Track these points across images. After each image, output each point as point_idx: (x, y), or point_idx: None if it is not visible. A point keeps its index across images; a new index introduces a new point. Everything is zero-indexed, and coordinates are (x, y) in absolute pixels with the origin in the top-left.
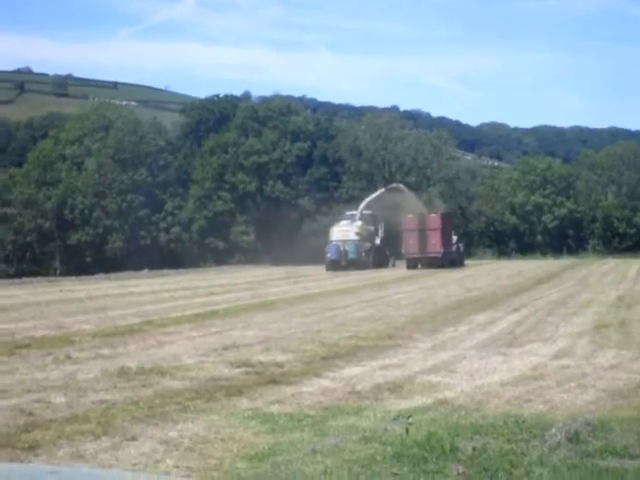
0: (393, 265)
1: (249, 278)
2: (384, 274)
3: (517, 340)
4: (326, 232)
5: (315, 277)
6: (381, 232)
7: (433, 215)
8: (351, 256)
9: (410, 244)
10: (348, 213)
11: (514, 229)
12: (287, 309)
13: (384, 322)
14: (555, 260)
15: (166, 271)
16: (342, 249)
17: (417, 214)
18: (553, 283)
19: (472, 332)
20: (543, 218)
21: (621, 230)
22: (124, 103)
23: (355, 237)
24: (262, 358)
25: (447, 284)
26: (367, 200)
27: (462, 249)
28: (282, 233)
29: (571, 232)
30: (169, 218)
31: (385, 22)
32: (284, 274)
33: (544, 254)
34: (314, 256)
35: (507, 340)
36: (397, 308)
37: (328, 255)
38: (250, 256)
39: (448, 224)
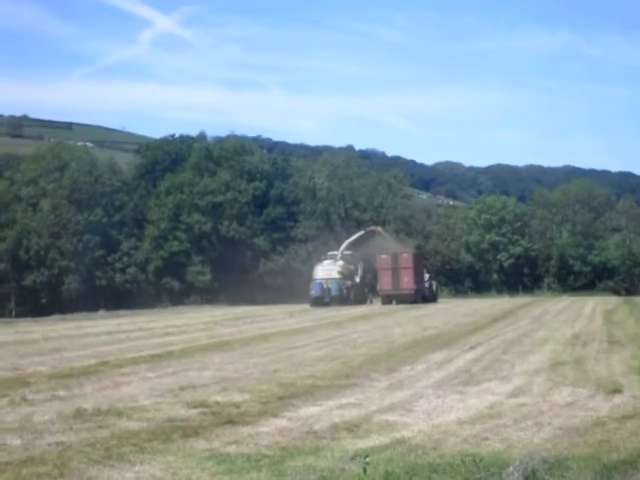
0: (371, 302)
1: (205, 318)
2: (341, 313)
3: (474, 378)
4: (282, 271)
5: (272, 317)
6: (360, 271)
7: (405, 255)
8: (334, 293)
9: (384, 282)
10: (330, 253)
11: (470, 267)
12: (243, 349)
13: (341, 361)
14: (511, 298)
15: (122, 312)
16: (325, 287)
17: (390, 254)
18: (509, 321)
19: (429, 371)
20: (498, 256)
21: (576, 268)
22: (79, 144)
23: (337, 276)
24: (219, 398)
25: (404, 323)
26: (347, 241)
27: (435, 286)
28: (238, 273)
29: (526, 270)
30: (125, 258)
31: (340, 62)
32: (240, 314)
33: (500, 292)
34: (271, 296)
35: (464, 378)
36: (354, 347)
37: (312, 292)
38: (206, 296)
39: (419, 263)
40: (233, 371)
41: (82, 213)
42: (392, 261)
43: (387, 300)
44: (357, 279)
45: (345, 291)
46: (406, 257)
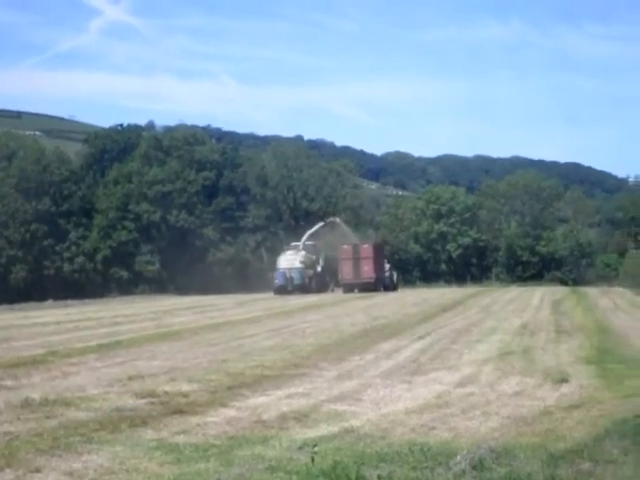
0: (332, 290)
1: (154, 308)
2: (291, 303)
3: (422, 368)
4: (231, 261)
5: (221, 307)
6: (321, 261)
7: (365, 245)
8: (296, 282)
9: (346, 271)
10: (293, 244)
11: (418, 258)
12: (192, 339)
13: (290, 351)
14: (459, 288)
15: (70, 301)
16: (288, 276)
17: (351, 244)
18: (457, 311)
19: (378, 360)
20: (447, 247)
21: (524, 258)
22: (28, 133)
23: (299, 265)
24: (167, 388)
25: (353, 312)
26: (308, 232)
27: (395, 276)
28: (187, 262)
29: (475, 261)
30: (73, 248)
31: (291, 51)
32: (190, 304)
33: (448, 282)
34: (220, 285)
35: (412, 368)
36: (303, 337)
37: (276, 281)
38: (155, 286)
39: (379, 253)
40: (182, 361)
41: (30, 202)
42: (353, 251)
43: (349, 289)
44: (319, 268)
45: (307, 280)
46: (366, 247)
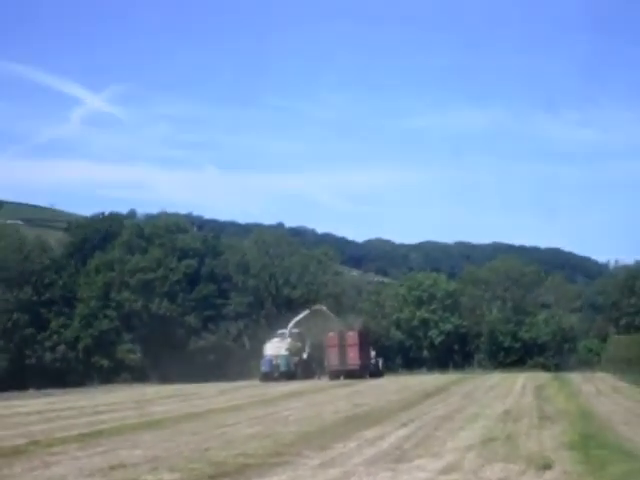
0: (319, 377)
1: (136, 396)
2: (273, 390)
3: (405, 455)
4: (213, 349)
5: (203, 395)
6: (307, 348)
7: (351, 333)
8: (282, 369)
9: (332, 358)
10: (279, 331)
11: (400, 344)
12: (175, 427)
13: (273, 439)
14: (442, 375)
15: (52, 390)
16: (274, 363)
17: (337, 332)
18: (440, 397)
19: (361, 448)
20: (429, 333)
21: (506, 344)
22: (9, 222)
23: (285, 352)
24: (149, 477)
25: (335, 400)
26: (295, 320)
27: (381, 362)
28: (169, 350)
29: (457, 347)
30: (54, 337)
31: (270, 139)
32: (172, 392)
33: (430, 369)
34: (202, 373)
35: (396, 455)
36: (286, 425)
37: (262, 368)
38: (137, 374)
39: (365, 340)
40: (164, 450)
41: (11, 291)
42: (339, 338)
43: (335, 376)
44: (305, 355)
45: (293, 367)
46: (352, 335)
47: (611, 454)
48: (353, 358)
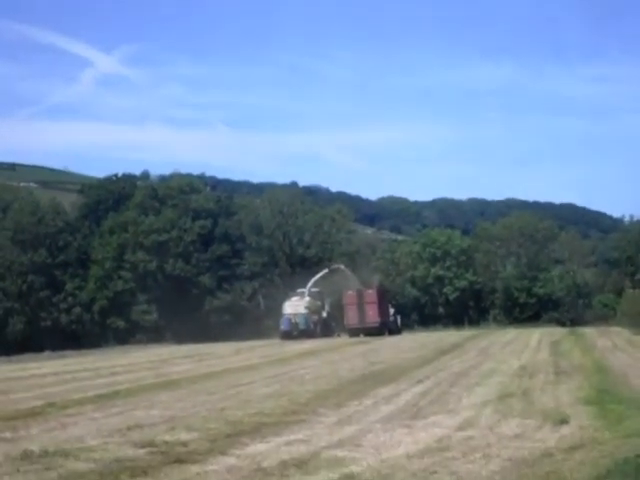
0: (338, 335)
1: (152, 357)
2: (288, 349)
3: (421, 412)
4: (228, 308)
5: (219, 354)
6: (327, 306)
7: (370, 291)
8: (302, 327)
9: (351, 316)
10: (299, 290)
11: (415, 301)
12: (191, 387)
13: (289, 398)
14: (457, 331)
15: (68, 352)
16: (293, 321)
17: (356, 290)
18: (456, 354)
19: (377, 405)
20: (444, 290)
21: (521, 300)
22: (23, 184)
23: (304, 311)
24: (167, 437)
25: (351, 358)
26: (314, 279)
27: (399, 319)
28: (184, 311)
29: (472, 303)
30: (70, 299)
31: (284, 98)
32: (187, 352)
33: (446, 326)
34: (217, 333)
35: (412, 413)
36: (301, 383)
37: (281, 327)
38: (152, 335)
39: (384, 298)
40: (180, 410)
41: (26, 254)
42: (357, 297)
43: (354, 333)
44: (324, 314)
45: (312, 325)
46: (371, 293)
47: (627, 409)
48: (372, 316)
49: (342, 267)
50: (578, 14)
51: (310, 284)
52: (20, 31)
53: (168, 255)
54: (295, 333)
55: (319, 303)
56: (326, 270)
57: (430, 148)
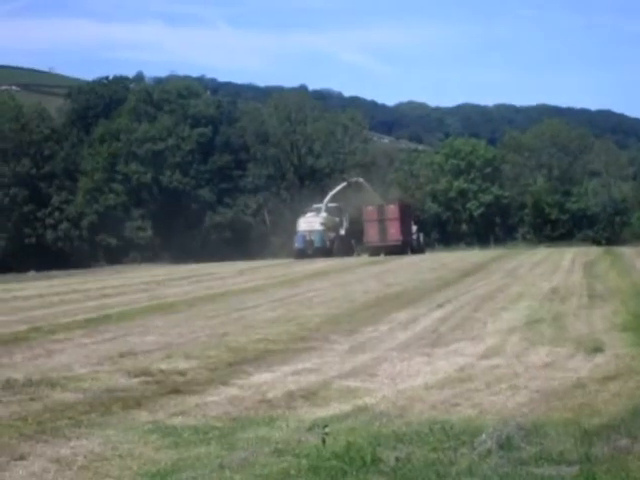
0: (358, 254)
1: (146, 278)
2: (296, 270)
3: (442, 339)
4: (230, 225)
5: (220, 275)
6: (345, 223)
7: (391, 206)
8: (317, 245)
9: (371, 234)
10: (315, 206)
11: (436, 218)
12: (189, 311)
13: (296, 323)
14: (481, 251)
15: (54, 272)
16: (308, 239)
17: (376, 205)
18: (480, 276)
19: (393, 332)
20: (468, 205)
21: (553, 217)
22: (4, 87)
23: (320, 227)
24: (162, 366)
25: (365, 279)
26: (331, 193)
27: (422, 238)
28: (182, 227)
29: (498, 220)
30: (56, 214)
31: None
32: (185, 273)
33: (469, 244)
34: (218, 252)
35: (431, 339)
36: (310, 307)
37: (295, 245)
38: (147, 254)
39: (406, 214)
40: (178, 335)
41: (8, 164)
42: (378, 212)
43: (374, 252)
44: (342, 231)
45: (329, 243)
46: (392, 208)
47: None
48: (394, 234)
49: (362, 180)
50: None
51: (327, 198)
52: None
53: (164, 166)
54: (310, 252)
55: (337, 219)
56: (345, 183)
57: (454, 49)
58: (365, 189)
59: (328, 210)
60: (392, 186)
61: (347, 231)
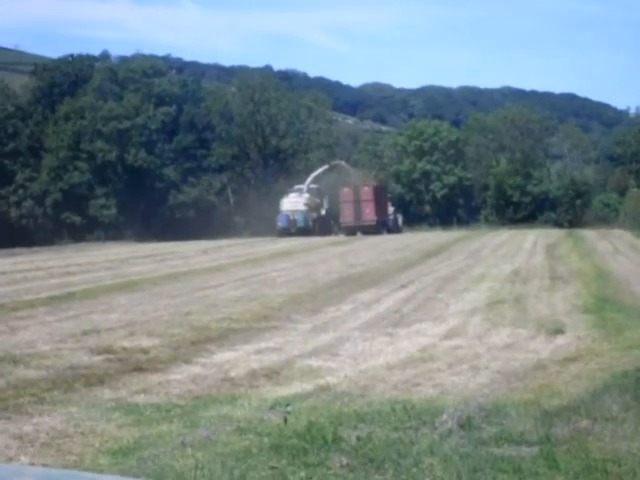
0: (336, 235)
1: (110, 256)
2: (260, 250)
3: (404, 319)
4: (194, 204)
5: (183, 254)
6: (325, 204)
7: (366, 188)
8: (300, 224)
9: (347, 214)
10: (296, 187)
11: (399, 199)
12: (152, 290)
13: (259, 302)
14: (444, 232)
15: (17, 249)
16: (292, 218)
17: (352, 187)
18: (442, 257)
19: (356, 311)
20: (431, 186)
21: (515, 199)
22: None
23: (303, 208)
24: (125, 344)
25: (328, 260)
26: (313, 175)
27: (400, 218)
28: (146, 206)
29: (461, 201)
30: (20, 191)
31: None
32: (149, 251)
33: (432, 226)
34: (182, 231)
35: (393, 320)
36: (273, 287)
37: (279, 224)
38: (111, 232)
39: (381, 195)
40: (141, 314)
41: None
42: (354, 194)
43: (350, 232)
44: (323, 212)
45: (311, 223)
46: (367, 190)
47: (628, 318)
48: (369, 214)
49: (343, 163)
50: None
51: (309, 180)
52: None
53: (129, 144)
54: (293, 231)
55: (318, 200)
56: (326, 166)
57: (418, 30)
58: (346, 171)
59: (310, 191)
60: (355, 166)
61: (327, 212)
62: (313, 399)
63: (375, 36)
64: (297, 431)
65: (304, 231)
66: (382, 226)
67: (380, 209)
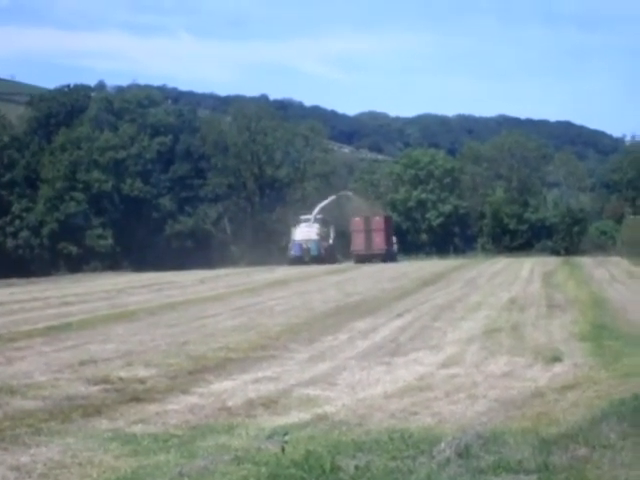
0: (340, 262)
1: (107, 286)
2: (256, 279)
3: (401, 348)
4: (191, 234)
5: (181, 284)
6: (332, 233)
7: (377, 218)
8: (313, 253)
9: (358, 243)
10: (303, 217)
11: (396, 228)
12: (150, 319)
13: (257, 331)
14: (441, 260)
15: (14, 280)
16: (305, 247)
17: (363, 217)
18: (439, 285)
19: (353, 340)
20: (427, 215)
21: (512, 227)
22: None
23: (316, 237)
24: (123, 374)
25: (325, 289)
26: (320, 206)
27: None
28: (143, 236)
29: (457, 230)
30: (16, 222)
31: (252, 3)
32: (146, 281)
33: (429, 254)
34: (179, 260)
35: (390, 349)
36: (271, 316)
37: (292, 252)
38: (108, 262)
39: (389, 226)
40: (138, 343)
41: None
42: (365, 223)
43: (360, 260)
44: (330, 240)
45: (323, 251)
46: (378, 220)
47: (625, 345)
48: (379, 243)
49: (350, 194)
50: None
51: (316, 210)
52: None
53: (125, 174)
54: (306, 259)
55: (326, 229)
56: (334, 197)
57: (415, 59)
58: (353, 201)
59: (317, 221)
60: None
61: (333, 240)
62: (311, 428)
63: (371, 65)
64: (295, 460)
65: (317, 259)
66: (388, 255)
67: (388, 238)
